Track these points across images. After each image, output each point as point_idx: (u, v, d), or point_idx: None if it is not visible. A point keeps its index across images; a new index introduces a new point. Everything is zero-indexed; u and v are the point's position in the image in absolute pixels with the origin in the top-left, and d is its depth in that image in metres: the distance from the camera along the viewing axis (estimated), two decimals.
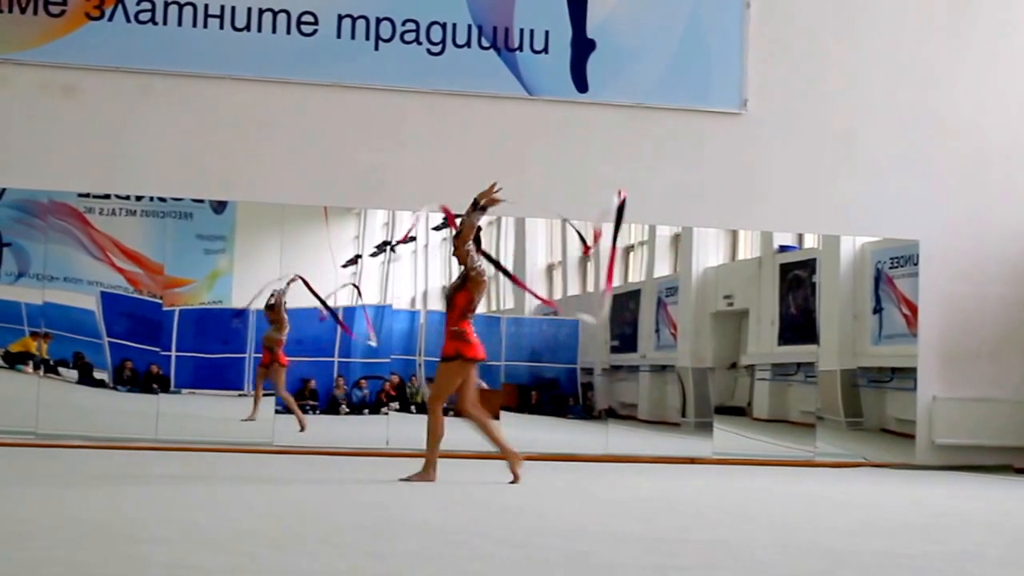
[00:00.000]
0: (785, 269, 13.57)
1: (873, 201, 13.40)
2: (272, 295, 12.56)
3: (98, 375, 12.37)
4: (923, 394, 13.25)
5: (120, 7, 12.34)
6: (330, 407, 12.73)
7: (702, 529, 6.89)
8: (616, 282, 13.21)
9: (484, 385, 12.89)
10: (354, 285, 12.76)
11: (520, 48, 12.91)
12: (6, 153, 12.26)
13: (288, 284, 12.55)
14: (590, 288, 13.66)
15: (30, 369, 12.23)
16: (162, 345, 12.40)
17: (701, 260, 13.54)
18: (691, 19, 13.21)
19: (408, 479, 9.31)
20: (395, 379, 12.77)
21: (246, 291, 12.62)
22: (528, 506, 8.05)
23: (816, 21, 13.55)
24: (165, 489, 8.34)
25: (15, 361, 12.24)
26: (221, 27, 12.50)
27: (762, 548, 6.07)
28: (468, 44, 12.82)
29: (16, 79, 12.27)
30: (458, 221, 9.58)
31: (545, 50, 12.95)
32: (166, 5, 12.40)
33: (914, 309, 13.32)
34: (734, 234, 13.81)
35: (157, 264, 12.47)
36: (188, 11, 12.44)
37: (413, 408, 12.60)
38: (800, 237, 13.71)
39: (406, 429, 12.24)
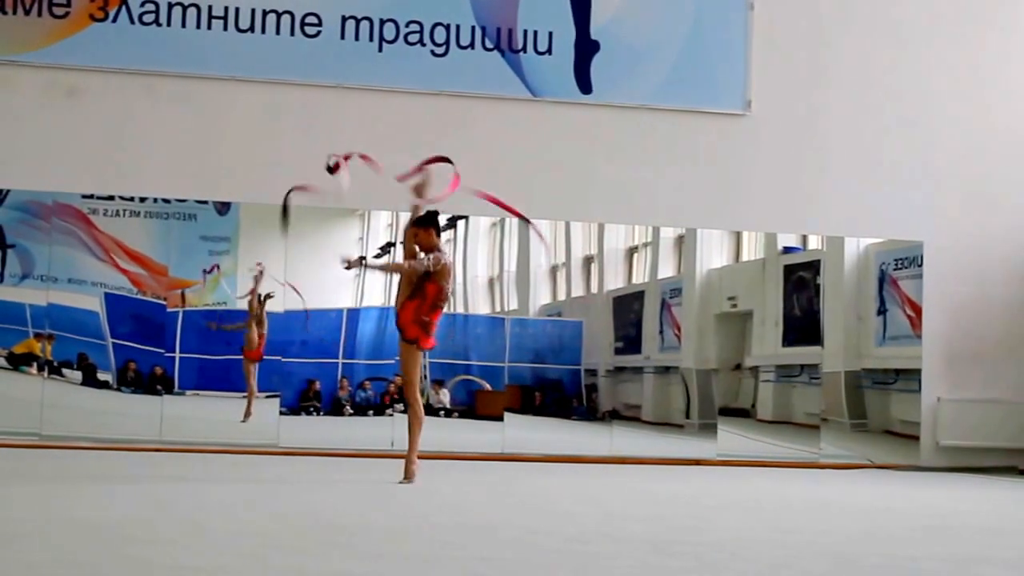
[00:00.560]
0: (789, 270, 13.55)
1: (877, 203, 13.39)
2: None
3: (102, 376, 12.36)
4: (927, 395, 13.23)
5: (124, 8, 12.35)
6: (334, 408, 12.71)
7: (706, 531, 6.88)
8: (621, 283, 13.26)
9: (488, 386, 12.94)
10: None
11: (524, 49, 12.90)
12: (10, 154, 12.26)
13: (256, 278, 12.54)
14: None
15: (34, 370, 12.23)
16: (166, 346, 12.39)
17: (705, 261, 13.52)
18: (695, 21, 13.21)
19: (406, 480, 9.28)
20: (399, 380, 12.74)
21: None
22: (532, 507, 8.04)
23: (820, 23, 13.54)
24: (169, 490, 8.33)
25: (19, 362, 12.23)
26: (225, 28, 12.51)
27: (766, 550, 6.06)
28: (472, 45, 12.82)
29: (20, 80, 12.28)
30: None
31: (549, 51, 12.94)
32: (170, 6, 12.41)
33: (918, 310, 13.31)
34: (738, 235, 13.79)
35: (161, 265, 12.46)
36: (192, 12, 12.45)
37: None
38: (804, 238, 13.69)
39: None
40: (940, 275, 13.34)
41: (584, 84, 13.01)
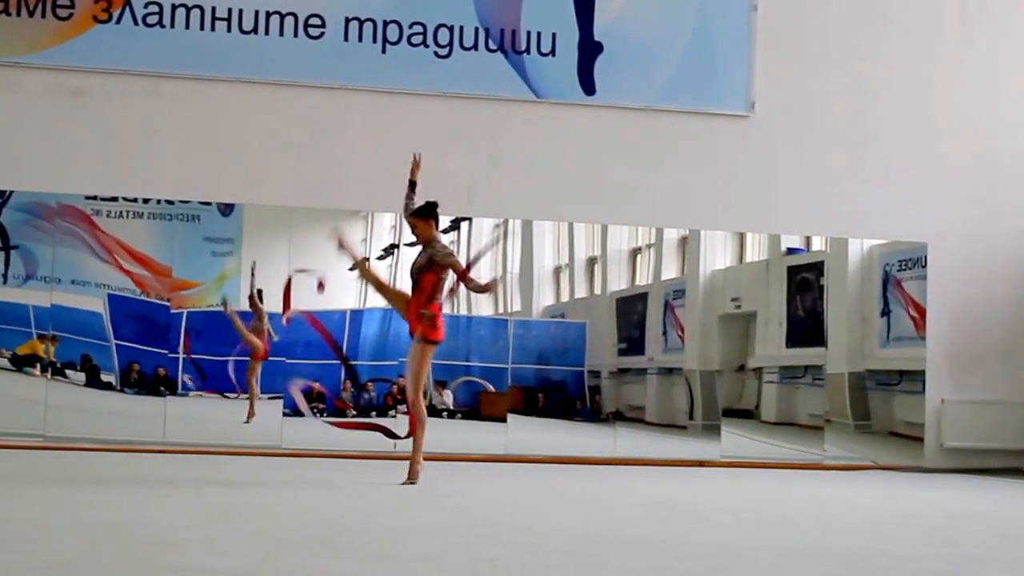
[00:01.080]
0: (793, 272, 13.53)
1: (881, 204, 13.38)
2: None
3: (105, 378, 12.35)
4: (931, 397, 13.20)
5: (128, 10, 12.35)
6: (337, 410, 12.70)
7: (710, 532, 6.87)
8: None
9: (491, 388, 12.93)
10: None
11: (527, 51, 12.90)
12: (14, 156, 12.26)
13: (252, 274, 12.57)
14: None
15: (38, 372, 12.22)
16: (169, 348, 12.39)
17: (709, 263, 13.51)
18: (698, 22, 13.20)
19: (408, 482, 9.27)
20: (402, 382, 12.73)
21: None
22: (535, 509, 8.04)
23: (823, 23, 13.53)
24: (172, 492, 8.33)
25: (23, 364, 12.23)
26: (228, 30, 12.51)
27: (770, 551, 6.05)
28: (475, 47, 12.82)
29: (24, 82, 12.27)
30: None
31: (552, 52, 12.94)
32: (174, 8, 12.41)
33: (922, 312, 13.29)
34: (742, 237, 13.78)
35: (165, 267, 12.46)
36: (196, 14, 12.45)
37: None
38: (808, 240, 13.69)
39: None
40: (944, 276, 13.32)
41: (588, 85, 13.00)
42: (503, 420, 12.76)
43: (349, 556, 5.43)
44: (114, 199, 12.42)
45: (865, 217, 13.38)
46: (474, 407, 13.00)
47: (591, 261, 13.84)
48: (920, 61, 13.62)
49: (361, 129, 12.64)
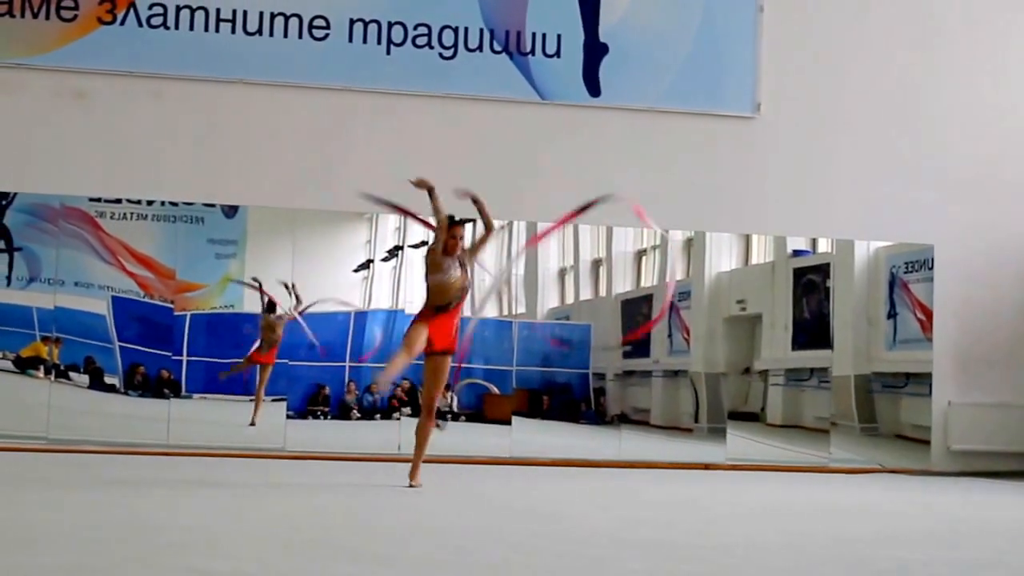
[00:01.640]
0: (799, 274, 13.49)
1: (887, 205, 13.33)
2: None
3: (109, 380, 12.32)
4: (938, 399, 13.15)
5: (132, 12, 12.33)
6: (341, 412, 12.68)
7: (715, 535, 6.86)
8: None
9: (495, 390, 12.90)
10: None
11: (532, 52, 12.86)
12: (18, 157, 12.24)
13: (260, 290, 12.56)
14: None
15: (41, 374, 12.19)
16: (173, 350, 12.36)
17: (714, 265, 13.48)
18: (704, 23, 13.16)
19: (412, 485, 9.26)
20: (406, 384, 12.72)
21: (257, 296, 12.56)
22: (540, 512, 8.03)
23: (829, 24, 13.49)
24: (176, 494, 8.32)
25: (26, 366, 12.20)
26: (233, 31, 12.48)
27: (776, 555, 6.03)
28: (480, 48, 12.79)
29: (28, 84, 12.25)
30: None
31: (557, 54, 12.90)
32: (178, 9, 12.39)
33: (929, 314, 13.25)
34: (747, 238, 13.74)
35: (168, 269, 12.44)
36: (200, 16, 12.42)
37: None
38: (814, 242, 13.64)
39: None
40: (951, 278, 13.27)
41: (593, 87, 12.97)
42: (507, 423, 12.73)
43: (353, 558, 5.41)
44: (118, 201, 12.40)
45: (872, 219, 13.33)
46: (478, 409, 12.96)
47: (596, 263, 13.80)
48: (927, 62, 13.57)
49: (366, 131, 12.62)
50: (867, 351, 13.43)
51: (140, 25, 12.34)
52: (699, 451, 13.04)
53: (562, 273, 13.96)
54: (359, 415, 12.70)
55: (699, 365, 13.30)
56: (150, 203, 12.46)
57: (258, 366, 12.56)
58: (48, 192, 12.25)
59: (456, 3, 12.80)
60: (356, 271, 12.70)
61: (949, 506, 9.56)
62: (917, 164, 13.45)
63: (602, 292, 13.74)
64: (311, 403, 12.63)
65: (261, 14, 12.51)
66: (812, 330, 13.31)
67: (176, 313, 12.40)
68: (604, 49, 12.97)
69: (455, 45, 12.74)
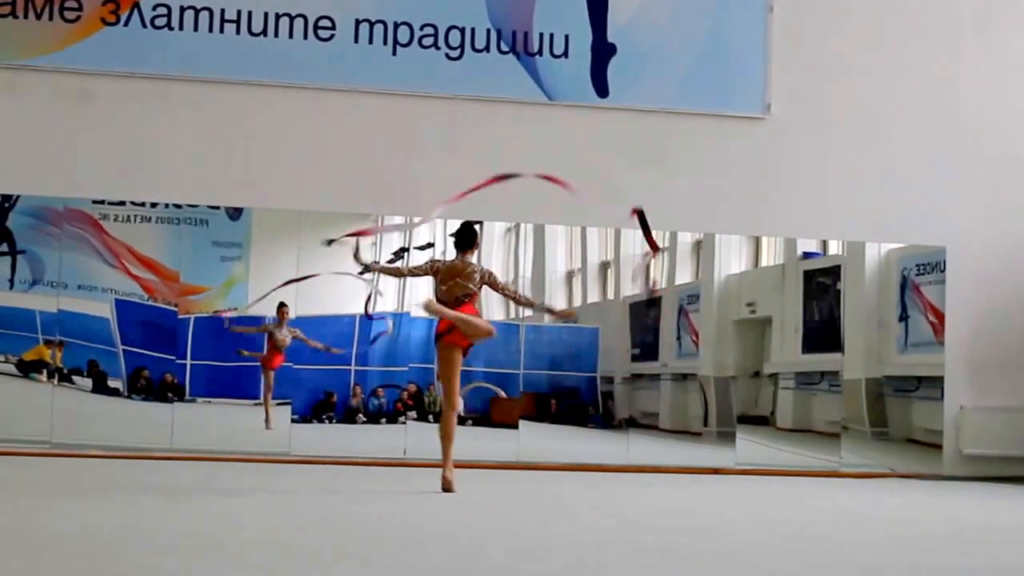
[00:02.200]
0: (809, 276, 13.42)
1: (899, 207, 13.24)
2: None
3: (112, 384, 12.28)
4: (950, 403, 13.06)
5: (136, 12, 12.27)
6: (347, 416, 12.62)
7: (724, 541, 6.84)
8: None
9: (503, 394, 12.83)
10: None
11: (540, 52, 12.78)
12: (21, 159, 12.18)
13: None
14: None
15: (44, 378, 12.15)
16: (177, 353, 12.30)
17: (723, 267, 13.41)
18: (713, 23, 13.08)
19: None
20: (412, 388, 12.66)
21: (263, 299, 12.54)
22: (547, 517, 8.02)
23: (840, 25, 13.41)
24: (180, 499, 8.30)
25: (29, 370, 12.17)
26: (238, 32, 12.42)
27: (786, 561, 6.01)
28: (487, 49, 12.71)
29: (31, 85, 12.19)
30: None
31: (565, 54, 12.82)
32: (182, 10, 12.32)
33: (941, 317, 13.16)
34: (757, 241, 13.66)
35: (172, 271, 12.38)
36: (204, 16, 12.36)
37: (431, 417, 12.47)
38: (824, 243, 13.55)
39: (424, 438, 12.13)
40: (963, 281, 13.18)
41: (601, 87, 12.88)
42: (515, 427, 12.66)
43: (359, 564, 5.42)
44: (121, 203, 12.35)
45: (883, 220, 13.24)
46: (485, 413, 12.89)
47: (604, 266, 13.74)
48: (938, 63, 13.48)
49: (372, 132, 12.55)
50: (878, 354, 13.36)
51: (144, 26, 12.28)
52: (708, 455, 12.97)
53: (570, 276, 13.90)
54: (364, 419, 12.64)
55: (708, 368, 13.23)
56: (154, 205, 12.40)
57: (262, 370, 12.51)
58: (51, 194, 12.21)
59: (463, 3, 12.72)
60: (361, 274, 12.62)
61: (961, 511, 9.53)
62: (929, 165, 13.36)
63: (610, 295, 13.67)
64: (319, 409, 12.55)
65: (266, 14, 12.44)
66: (822, 333, 13.24)
67: (180, 316, 12.35)
68: (612, 49, 12.89)
69: (462, 45, 12.66)
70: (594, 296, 13.77)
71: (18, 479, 9.46)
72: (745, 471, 12.71)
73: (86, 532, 6.20)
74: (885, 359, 13.38)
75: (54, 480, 9.48)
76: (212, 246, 12.53)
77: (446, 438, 9.41)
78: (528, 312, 12.85)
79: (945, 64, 13.50)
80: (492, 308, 13.08)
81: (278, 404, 12.43)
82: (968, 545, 7.09)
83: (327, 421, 12.56)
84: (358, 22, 12.56)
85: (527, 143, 12.77)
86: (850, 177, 13.25)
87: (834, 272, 13.30)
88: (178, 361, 12.31)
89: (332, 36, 12.53)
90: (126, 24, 12.27)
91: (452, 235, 9.97)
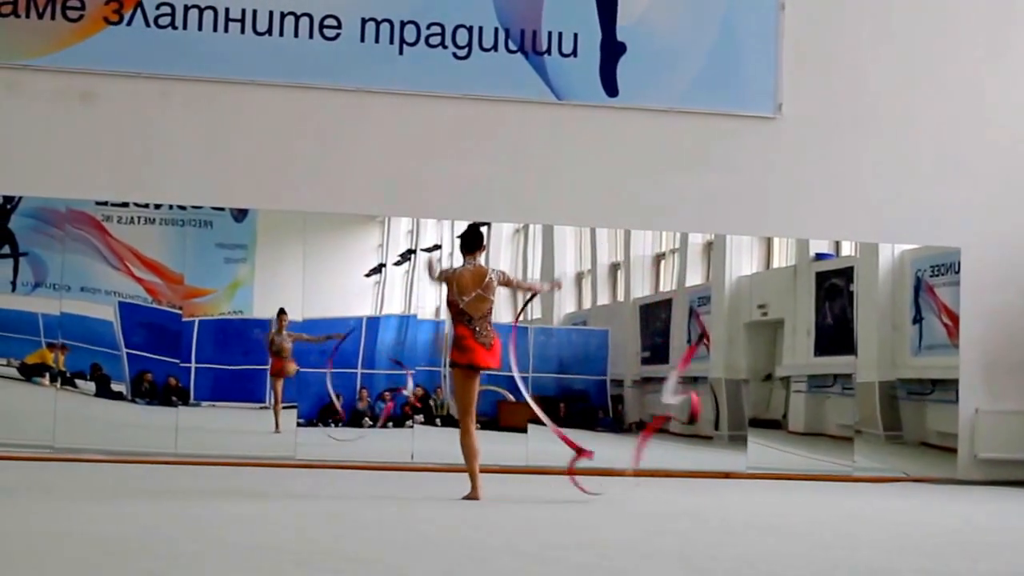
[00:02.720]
0: (821, 278, 13.35)
1: (912, 208, 13.14)
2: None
3: (116, 387, 12.25)
4: (965, 407, 12.95)
5: (139, 11, 12.18)
6: (353, 420, 12.54)
7: (735, 545, 6.82)
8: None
9: (510, 397, 12.70)
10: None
11: (548, 51, 12.67)
12: (23, 160, 12.13)
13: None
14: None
15: (47, 381, 12.11)
16: (181, 357, 12.21)
17: (734, 268, 13.34)
18: (724, 22, 12.98)
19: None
20: (419, 392, 12.56)
21: (267, 301, 12.45)
22: (559, 521, 8.00)
23: (851, 24, 13.31)
24: (185, 504, 8.28)
25: (32, 373, 12.13)
26: (242, 31, 12.32)
27: (798, 566, 5.97)
28: (495, 48, 12.60)
29: (34, 85, 12.13)
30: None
31: (574, 53, 12.71)
32: (186, 9, 12.23)
33: (955, 319, 13.05)
34: (768, 242, 13.57)
35: (176, 274, 12.29)
36: (208, 15, 12.26)
37: (438, 421, 12.37)
38: (837, 245, 13.47)
39: (431, 442, 12.07)
40: (978, 282, 13.08)
41: (610, 87, 12.77)
42: (523, 430, 12.54)
43: (365, 569, 5.41)
44: (125, 205, 12.28)
45: (896, 221, 13.14)
46: (494, 417, 12.79)
47: (614, 267, 13.65)
48: (953, 62, 13.39)
49: (378, 132, 12.47)
50: (892, 357, 13.27)
51: (147, 25, 12.19)
52: (719, 459, 12.91)
53: (579, 277, 13.82)
54: (371, 423, 12.55)
55: (719, 371, 13.16)
56: (158, 207, 12.33)
57: (271, 377, 12.46)
58: (54, 196, 12.15)
59: (470, 2, 12.62)
60: (368, 275, 12.55)
61: (975, 516, 9.50)
62: (943, 165, 13.25)
63: (620, 297, 13.57)
64: (326, 413, 12.48)
65: (271, 13, 12.34)
66: (835, 335, 13.15)
67: (184, 319, 12.26)
68: (622, 48, 12.78)
69: (469, 44, 12.55)
70: (604, 298, 13.67)
71: (21, 483, 9.42)
72: (757, 475, 12.62)
73: (89, 537, 6.18)
74: (899, 362, 13.30)
75: (57, 484, 9.43)
76: (217, 248, 12.47)
77: (470, 456, 9.36)
78: (537, 315, 12.76)
79: (960, 63, 13.40)
80: (500, 312, 12.98)
81: (284, 408, 12.34)
82: (981, 550, 7.03)
83: (333, 425, 12.47)
84: (364, 21, 12.46)
85: (535, 143, 12.69)
86: (863, 177, 13.14)
87: (847, 274, 13.21)
88: (182, 364, 12.23)
89: (338, 35, 12.42)
90: (129, 23, 12.18)
91: (459, 237, 9.80)
